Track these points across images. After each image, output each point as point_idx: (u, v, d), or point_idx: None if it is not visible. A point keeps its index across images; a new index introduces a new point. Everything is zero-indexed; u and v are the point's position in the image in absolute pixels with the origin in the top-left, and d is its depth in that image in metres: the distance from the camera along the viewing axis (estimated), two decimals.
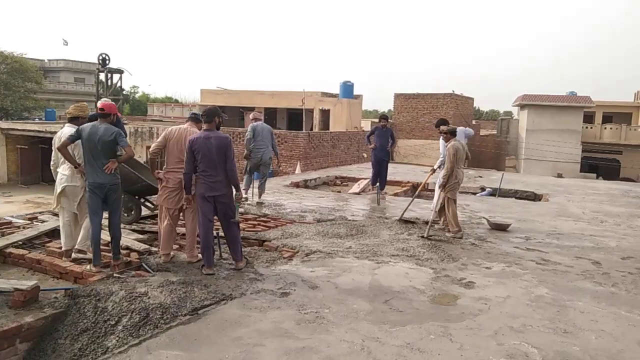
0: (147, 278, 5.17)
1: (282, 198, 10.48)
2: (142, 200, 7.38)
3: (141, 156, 23.59)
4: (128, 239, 6.26)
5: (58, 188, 5.67)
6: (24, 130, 25.07)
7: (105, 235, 5.71)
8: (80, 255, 5.61)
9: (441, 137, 8.27)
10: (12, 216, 7.73)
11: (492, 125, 49.42)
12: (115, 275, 5.23)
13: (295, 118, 36.67)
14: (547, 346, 3.97)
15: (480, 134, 37.56)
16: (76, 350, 4.20)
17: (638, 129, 35.17)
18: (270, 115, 38.52)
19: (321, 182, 14.46)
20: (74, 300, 4.70)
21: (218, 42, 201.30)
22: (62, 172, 5.67)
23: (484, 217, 8.93)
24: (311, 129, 31.90)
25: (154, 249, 6.10)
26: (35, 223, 7.13)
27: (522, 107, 35.17)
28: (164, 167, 5.93)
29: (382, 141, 11.27)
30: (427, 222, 7.90)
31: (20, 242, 6.20)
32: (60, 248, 5.80)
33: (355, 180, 14.27)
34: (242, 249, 5.84)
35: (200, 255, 5.70)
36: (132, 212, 7.16)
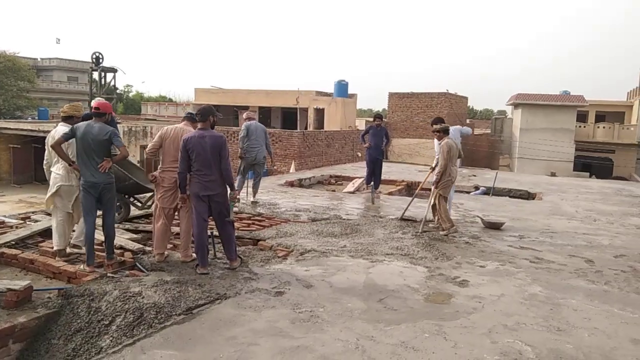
0: (141, 278, 5.16)
1: (276, 197, 10.47)
2: (132, 199, 7.37)
3: (135, 155, 23.51)
4: (122, 238, 6.24)
5: (53, 188, 5.64)
6: (16, 129, 24.90)
7: (99, 235, 5.69)
8: (75, 250, 5.60)
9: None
10: (5, 216, 7.69)
11: (486, 125, 49.56)
12: (109, 274, 5.21)
13: (289, 117, 36.64)
14: (541, 344, 3.99)
15: (474, 133, 37.64)
16: (70, 351, 4.19)
17: (631, 128, 35.37)
18: (265, 114, 38.47)
19: (316, 181, 14.46)
20: (68, 300, 4.68)
21: (212, 41, 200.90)
22: (57, 171, 5.65)
23: (477, 216, 8.96)
24: (305, 128, 31.88)
25: (147, 248, 6.08)
26: (28, 223, 7.10)
27: (515, 106, 35.29)
28: (159, 166, 5.91)
29: (377, 140, 11.29)
30: (422, 219, 7.95)
31: (13, 242, 6.17)
32: (53, 248, 5.77)
33: (349, 179, 14.28)
34: (237, 248, 5.83)
35: (194, 255, 5.69)
36: (122, 210, 7.14)
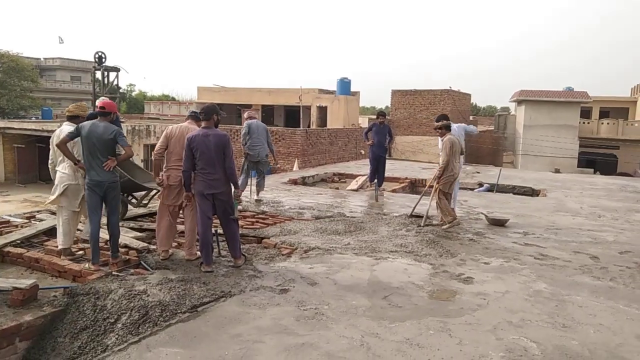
0: (146, 276, 5.17)
1: (280, 195, 10.48)
2: (130, 197, 7.40)
3: (139, 154, 23.56)
4: (126, 237, 6.26)
5: (60, 187, 5.65)
6: (20, 129, 24.98)
7: (104, 234, 5.71)
8: (87, 245, 5.62)
9: None
10: (10, 215, 7.71)
11: (489, 121, 49.46)
12: (114, 273, 5.22)
13: (292, 115, 36.63)
14: (546, 340, 3.98)
15: (478, 129, 37.55)
16: (76, 349, 4.20)
17: (635, 124, 35.20)
18: (268, 112, 38.48)
19: (319, 179, 14.46)
20: (73, 298, 4.70)
21: (215, 39, 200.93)
22: (63, 170, 5.66)
23: (482, 213, 8.94)
24: (309, 126, 31.88)
25: (152, 246, 6.10)
26: (33, 222, 7.12)
27: (519, 102, 35.20)
28: (164, 165, 5.93)
29: (380, 138, 11.27)
30: (425, 214, 8.05)
31: (19, 241, 6.19)
32: (58, 247, 5.79)
33: (353, 176, 14.27)
34: (241, 247, 5.84)
35: (199, 253, 5.70)
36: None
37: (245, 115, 9.79)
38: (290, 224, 7.63)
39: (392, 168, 15.37)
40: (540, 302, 4.81)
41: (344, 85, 33.60)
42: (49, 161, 5.91)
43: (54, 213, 7.03)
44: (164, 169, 5.87)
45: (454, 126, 8.69)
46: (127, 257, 5.66)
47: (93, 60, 29.83)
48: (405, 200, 10.38)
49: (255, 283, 5.10)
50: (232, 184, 5.56)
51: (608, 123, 35.27)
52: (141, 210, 7.78)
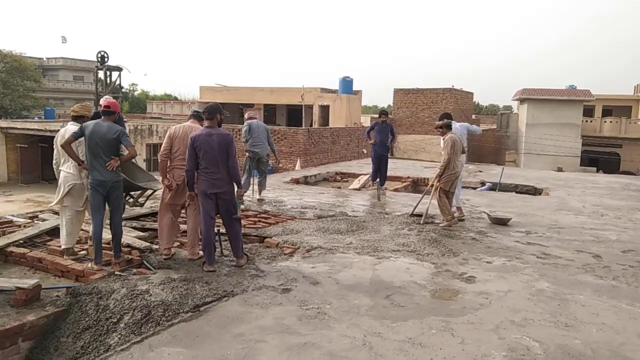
0: (148, 276, 5.18)
1: (282, 194, 10.48)
2: (127, 196, 7.42)
3: (141, 154, 23.59)
4: (129, 236, 6.27)
5: (65, 187, 5.66)
6: (23, 129, 25.05)
7: (107, 234, 5.72)
8: (89, 243, 5.65)
9: None
10: (13, 215, 7.73)
11: (491, 120, 49.39)
12: (116, 273, 5.23)
13: (294, 114, 36.64)
14: (549, 340, 3.98)
15: (480, 128, 37.50)
16: (78, 348, 4.21)
17: (638, 122, 35.10)
18: (270, 111, 38.52)
19: (321, 178, 14.46)
20: (76, 298, 4.71)
21: (217, 38, 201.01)
22: (67, 170, 5.67)
23: (484, 212, 8.93)
24: (311, 125, 31.89)
25: (155, 246, 6.11)
26: (35, 222, 7.14)
27: (521, 101, 35.14)
28: (168, 164, 5.93)
29: (382, 137, 11.27)
30: (425, 212, 8.10)
31: (21, 241, 6.21)
32: (61, 246, 5.80)
33: (355, 176, 14.27)
34: (243, 246, 5.84)
35: (201, 253, 5.71)
36: None
37: (246, 115, 9.80)
38: (293, 224, 7.63)
39: (394, 167, 15.36)
40: (543, 301, 4.80)
41: (346, 84, 33.61)
42: (54, 161, 5.92)
43: (56, 213, 7.05)
44: (168, 168, 5.88)
45: (456, 125, 8.68)
46: (130, 256, 5.67)
47: (96, 59, 29.90)
48: (408, 199, 10.37)
49: (257, 282, 5.10)
50: (235, 184, 5.56)
51: (611, 121, 35.18)
52: (144, 210, 7.79)
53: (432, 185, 8.45)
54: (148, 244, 6.16)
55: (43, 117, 39.76)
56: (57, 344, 4.34)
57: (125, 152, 5.50)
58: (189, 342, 3.86)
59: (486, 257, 6.24)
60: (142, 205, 7.79)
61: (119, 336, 4.17)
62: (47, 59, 60.66)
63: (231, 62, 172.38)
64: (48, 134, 23.29)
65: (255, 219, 7.89)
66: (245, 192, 9.41)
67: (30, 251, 5.89)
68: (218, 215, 5.63)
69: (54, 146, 5.89)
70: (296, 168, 19.64)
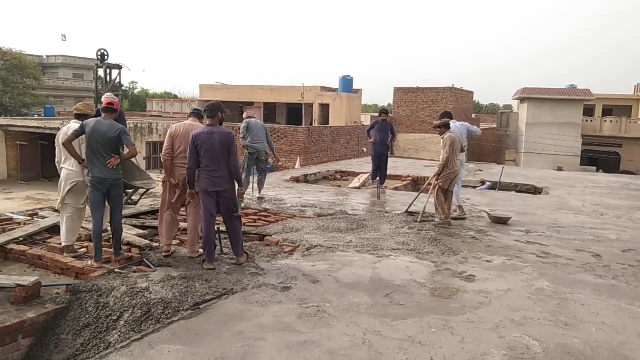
0: (148, 273, 5.18)
1: (282, 193, 10.48)
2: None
3: (141, 152, 23.57)
4: (129, 234, 6.27)
5: (67, 185, 5.65)
6: (23, 126, 25.05)
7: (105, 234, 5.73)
8: (105, 234, 5.68)
9: None
10: (13, 212, 7.73)
11: (492, 119, 49.39)
12: (116, 270, 5.24)
13: (294, 113, 36.62)
14: (548, 339, 3.98)
15: (481, 127, 37.52)
16: (79, 346, 4.22)
17: (638, 122, 35.10)
18: (270, 110, 38.49)
19: (321, 176, 14.46)
20: (76, 295, 4.71)
21: (217, 37, 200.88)
22: (70, 167, 5.66)
23: (484, 211, 8.93)
24: (311, 124, 31.87)
25: (155, 244, 6.11)
26: (35, 219, 7.13)
27: (522, 100, 35.14)
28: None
29: (382, 135, 11.26)
30: (422, 210, 8.13)
31: (21, 239, 6.20)
32: (61, 244, 5.80)
33: (355, 174, 14.27)
34: (243, 244, 5.84)
35: (201, 251, 5.71)
36: None
37: (244, 115, 9.81)
38: (293, 222, 7.63)
39: (394, 166, 15.36)
40: (543, 301, 4.80)
41: (346, 83, 33.60)
42: (56, 159, 5.92)
43: (56, 210, 7.04)
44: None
45: (457, 124, 8.69)
46: (130, 254, 5.68)
47: (96, 57, 29.88)
48: (408, 198, 10.35)
49: (257, 281, 5.10)
50: (236, 182, 5.56)
51: (611, 121, 35.19)
52: (144, 208, 7.79)
53: (429, 184, 8.47)
54: (148, 241, 6.17)
55: (43, 114, 39.76)
56: (57, 341, 4.34)
57: (126, 151, 5.51)
58: (189, 340, 3.87)
59: (486, 256, 6.24)
60: (135, 203, 7.79)
61: (119, 334, 4.17)
62: (47, 56, 60.64)
63: (231, 61, 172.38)
64: (48, 131, 23.28)
65: (255, 217, 7.89)
66: (246, 188, 9.42)
67: (30, 249, 5.89)
68: (218, 214, 5.64)
69: (56, 144, 5.88)
70: (296, 166, 19.64)
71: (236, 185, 5.60)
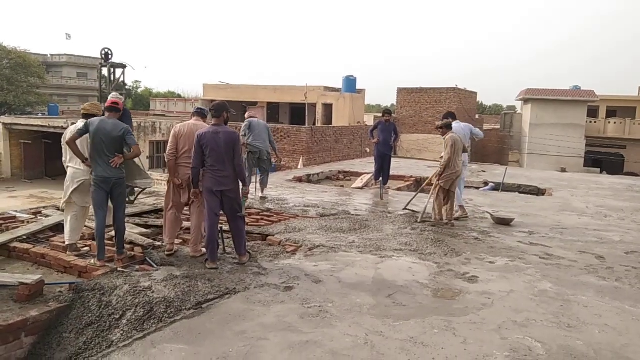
0: (151, 272, 5.19)
1: (285, 193, 10.48)
2: None
3: (144, 151, 23.59)
4: (132, 233, 6.28)
5: (74, 183, 5.67)
6: (27, 125, 25.07)
7: (109, 230, 5.73)
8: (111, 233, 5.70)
9: None
10: (17, 211, 7.75)
11: (495, 120, 49.29)
12: (119, 269, 5.25)
13: (298, 113, 36.62)
14: (551, 340, 3.97)
15: (484, 128, 37.45)
16: (81, 344, 4.23)
17: None
18: (273, 109, 38.49)
19: (324, 176, 14.46)
20: (79, 294, 4.72)
21: (221, 36, 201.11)
22: (77, 166, 5.66)
23: (487, 212, 8.92)
24: (314, 124, 31.87)
25: (157, 243, 6.13)
26: (39, 218, 7.15)
27: (525, 101, 35.05)
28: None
29: (385, 136, 11.26)
30: (423, 210, 8.13)
31: (25, 237, 6.22)
32: (65, 242, 5.82)
33: (358, 174, 14.26)
34: (246, 244, 5.85)
35: (203, 250, 5.72)
36: None
37: (246, 115, 9.82)
38: (295, 222, 7.63)
39: (397, 166, 15.36)
40: (546, 302, 4.79)
41: (350, 83, 33.57)
42: (63, 158, 5.94)
43: (59, 209, 7.06)
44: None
45: (460, 125, 8.69)
46: (133, 253, 5.69)
47: (99, 56, 29.94)
48: (410, 198, 10.35)
49: (259, 280, 5.10)
50: (240, 181, 5.57)
51: (615, 122, 35.08)
52: (146, 207, 7.81)
53: (429, 183, 8.48)
54: (151, 240, 6.18)
55: (47, 113, 39.78)
56: (60, 339, 4.35)
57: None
58: (191, 339, 3.87)
59: (489, 257, 6.23)
60: (132, 202, 7.81)
61: (122, 332, 4.18)
62: (51, 55, 60.78)
63: (234, 60, 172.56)
64: (52, 130, 23.30)
65: (258, 217, 7.90)
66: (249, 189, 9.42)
67: (34, 247, 5.91)
68: (221, 213, 5.64)
69: (62, 144, 5.90)
70: (299, 166, 19.64)
71: (240, 184, 5.60)
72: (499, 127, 39.61)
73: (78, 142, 5.41)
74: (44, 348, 4.34)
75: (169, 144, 5.93)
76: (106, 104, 5.58)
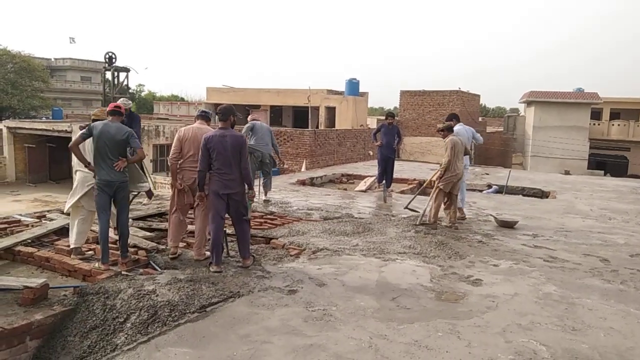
0: (155, 276, 5.20)
1: (288, 196, 10.49)
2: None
3: (148, 154, 23.65)
4: (136, 236, 6.29)
5: (84, 187, 5.68)
6: (31, 129, 25.19)
7: (113, 234, 5.75)
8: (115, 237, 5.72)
9: None
10: (21, 215, 7.78)
11: (498, 122, 49.21)
12: (123, 273, 5.25)
13: (301, 116, 36.66)
14: (556, 343, 3.95)
15: (487, 131, 37.41)
16: (85, 348, 4.23)
17: None
18: (276, 113, 38.56)
19: (327, 179, 14.46)
20: (83, 297, 4.73)
21: (224, 40, 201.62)
22: (86, 170, 5.66)
23: (491, 215, 8.90)
24: (317, 127, 31.90)
25: (161, 246, 6.13)
26: (43, 221, 7.18)
27: (528, 103, 35.00)
28: (177, 167, 5.95)
29: (389, 138, 11.25)
30: (422, 212, 8.13)
31: (29, 241, 6.25)
32: (69, 246, 5.83)
33: (361, 177, 14.26)
34: (250, 247, 5.85)
35: (207, 253, 5.72)
36: None
37: (249, 118, 9.83)
38: (299, 225, 7.63)
39: (400, 169, 15.34)
40: (550, 305, 4.78)
41: (353, 85, 33.58)
42: (72, 162, 5.98)
43: (63, 213, 7.08)
44: (178, 170, 5.90)
45: (464, 127, 8.69)
46: (136, 256, 5.69)
47: (103, 60, 30.08)
48: (414, 201, 10.34)
49: (263, 283, 5.11)
50: (246, 185, 5.58)
51: (619, 124, 34.96)
52: (151, 210, 7.83)
53: (429, 185, 8.48)
54: (154, 244, 6.19)
55: (51, 117, 39.96)
56: (65, 343, 4.36)
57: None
58: (195, 343, 3.87)
59: (493, 260, 6.21)
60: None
61: (126, 336, 4.18)
62: (55, 59, 61.09)
63: (238, 64, 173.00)
64: (56, 134, 23.40)
65: (262, 220, 7.91)
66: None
67: (38, 250, 5.93)
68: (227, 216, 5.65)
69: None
70: (302, 169, 19.65)
71: (246, 187, 5.61)
72: (502, 129, 39.54)
73: (80, 146, 5.43)
74: (48, 352, 4.34)
75: (172, 148, 5.94)
76: (108, 108, 5.60)
